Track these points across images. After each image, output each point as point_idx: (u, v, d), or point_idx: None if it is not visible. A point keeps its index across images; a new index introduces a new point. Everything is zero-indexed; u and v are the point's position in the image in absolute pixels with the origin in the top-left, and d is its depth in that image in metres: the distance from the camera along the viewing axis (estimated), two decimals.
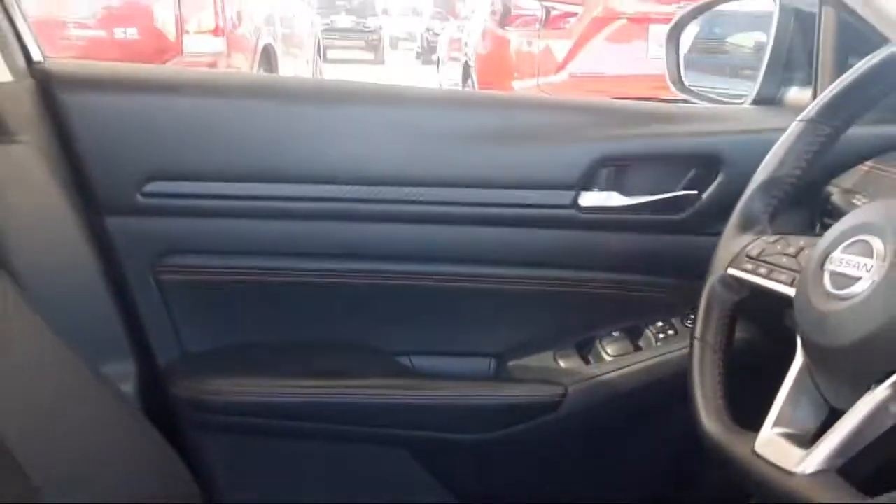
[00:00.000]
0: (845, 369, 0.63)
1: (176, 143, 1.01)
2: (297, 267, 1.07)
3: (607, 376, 1.07)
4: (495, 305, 1.11)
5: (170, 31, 3.83)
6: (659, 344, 1.07)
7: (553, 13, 4.65)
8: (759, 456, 0.67)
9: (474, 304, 1.11)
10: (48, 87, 0.98)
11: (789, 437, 0.66)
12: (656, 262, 1.09)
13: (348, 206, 1.03)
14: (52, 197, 0.96)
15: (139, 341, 1.05)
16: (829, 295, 0.64)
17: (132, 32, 3.83)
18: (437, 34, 11.45)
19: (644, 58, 4.16)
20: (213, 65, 3.88)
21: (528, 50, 4.70)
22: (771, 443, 0.67)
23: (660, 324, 1.08)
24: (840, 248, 0.66)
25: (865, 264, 0.62)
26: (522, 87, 4.49)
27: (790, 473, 0.62)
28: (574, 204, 1.05)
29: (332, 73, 8.80)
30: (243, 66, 4.31)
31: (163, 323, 1.06)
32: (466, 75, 5.64)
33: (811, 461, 0.61)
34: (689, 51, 1.41)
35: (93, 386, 0.90)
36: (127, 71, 1.09)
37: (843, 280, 0.63)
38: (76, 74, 1.03)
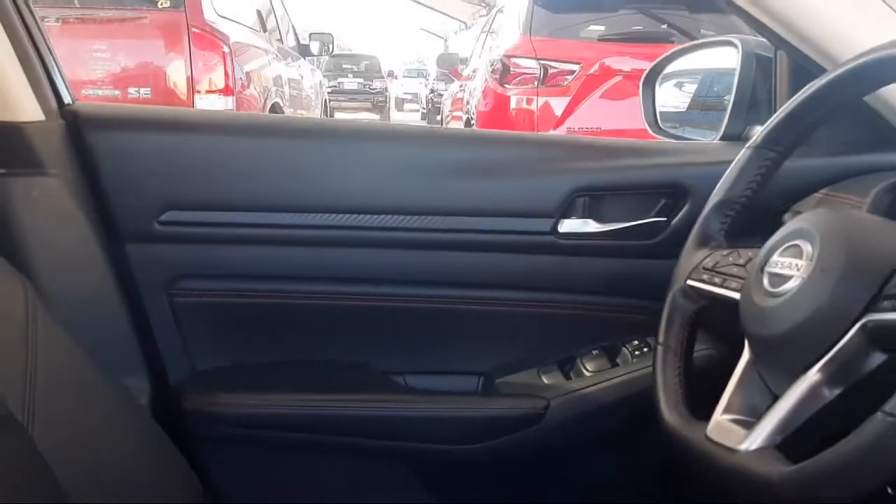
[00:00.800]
0: (782, 357, 0.71)
1: (190, 177, 1.09)
2: (298, 290, 1.14)
3: (587, 390, 1.13)
4: (482, 326, 1.18)
5: (181, 91, 3.95)
6: (635, 360, 1.14)
7: (551, 71, 4.78)
8: (709, 439, 0.74)
9: (463, 325, 1.18)
10: (76, 127, 1.07)
11: (737, 421, 0.73)
12: (629, 285, 1.15)
13: (347, 233, 1.11)
14: (77, 224, 1.05)
15: (152, 358, 1.12)
16: (767, 293, 0.72)
17: (145, 92, 3.96)
18: (441, 95, 11.68)
19: (638, 113, 4.26)
20: None
21: (526, 107, 4.83)
22: (720, 427, 0.74)
23: (635, 342, 1.15)
24: (777, 252, 0.74)
25: (797, 265, 0.71)
26: None
27: (734, 451, 0.69)
28: (553, 231, 1.12)
29: None
30: None
31: (175, 342, 1.13)
32: None
33: (753, 439, 0.68)
34: (690, 108, 1.51)
35: (111, 395, 0.98)
36: (146, 112, 1.18)
37: (779, 279, 0.72)
38: (101, 116, 1.11)
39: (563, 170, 1.13)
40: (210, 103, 4.00)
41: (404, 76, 23.07)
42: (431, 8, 17.05)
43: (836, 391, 0.66)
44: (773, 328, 0.71)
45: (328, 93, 9.30)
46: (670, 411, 0.81)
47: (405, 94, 21.98)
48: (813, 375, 0.66)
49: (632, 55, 4.57)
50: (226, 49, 4.12)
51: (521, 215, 1.12)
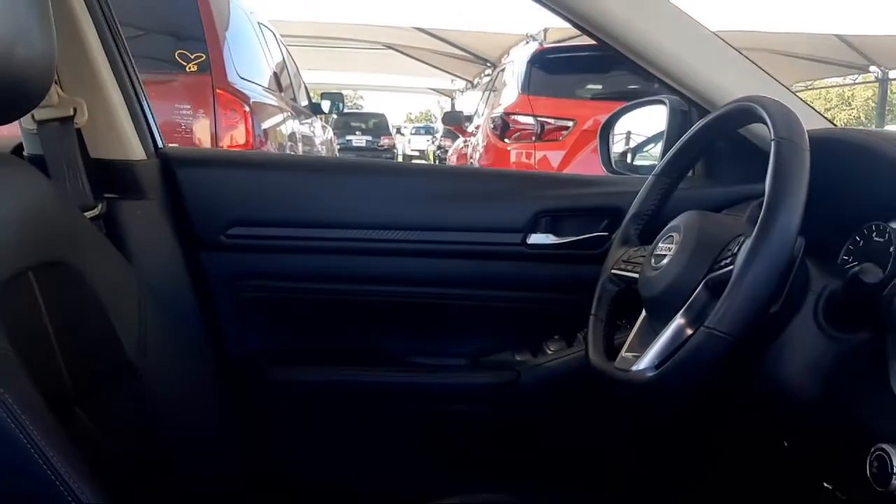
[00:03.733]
0: (660, 310, 1.04)
1: (250, 201, 1.42)
2: (330, 289, 1.46)
3: (549, 364, 1.44)
4: (469, 318, 1.49)
5: (206, 145, 4.33)
6: None
7: (547, 127, 5.15)
8: (616, 367, 1.08)
9: (453, 318, 1.49)
10: (167, 164, 1.40)
11: (634, 356, 1.06)
12: (582, 286, 1.38)
13: (365, 244, 1.42)
14: (167, 235, 1.37)
15: (218, 339, 1.44)
16: (652, 268, 1.07)
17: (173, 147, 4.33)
18: (447, 151, 12.10)
19: None
20: None
21: (525, 160, 5.18)
22: (623, 359, 1.07)
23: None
24: (660, 241, 1.09)
25: (669, 248, 1.05)
26: None
27: (628, 371, 1.02)
28: (523, 242, 1.43)
29: None
30: None
31: (236, 327, 1.45)
32: None
33: (639, 364, 0.99)
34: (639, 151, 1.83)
35: (192, 359, 1.31)
36: (218, 154, 1.52)
37: (659, 258, 1.06)
38: (186, 157, 1.45)
39: (529, 197, 1.45)
40: None
41: (412, 133, 23.52)
42: (439, 68, 17.63)
43: (694, 328, 0.99)
44: (654, 291, 1.05)
45: (338, 150, 9.69)
46: (594, 355, 1.15)
47: (413, 150, 22.42)
48: (678, 319, 0.99)
49: None
50: (247, 108, 4.45)
51: (498, 231, 1.44)
